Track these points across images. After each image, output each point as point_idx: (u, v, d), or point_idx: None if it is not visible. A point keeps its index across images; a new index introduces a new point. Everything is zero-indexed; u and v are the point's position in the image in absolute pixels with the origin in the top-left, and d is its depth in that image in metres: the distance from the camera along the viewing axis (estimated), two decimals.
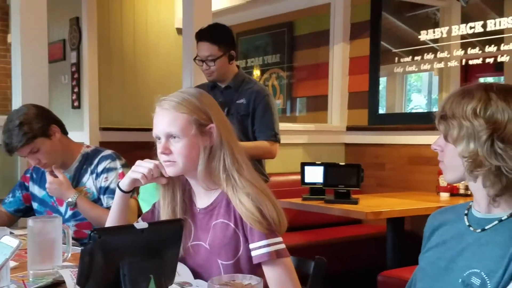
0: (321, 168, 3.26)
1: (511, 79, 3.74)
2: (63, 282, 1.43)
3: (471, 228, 1.27)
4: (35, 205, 2.42)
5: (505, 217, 1.22)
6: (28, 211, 2.44)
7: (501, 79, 3.89)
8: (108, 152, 2.36)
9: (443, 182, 3.64)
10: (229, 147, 1.51)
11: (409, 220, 3.24)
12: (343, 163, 3.40)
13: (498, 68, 3.84)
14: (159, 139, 1.52)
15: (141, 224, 1.10)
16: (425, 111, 4.48)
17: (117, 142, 4.48)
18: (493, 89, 1.23)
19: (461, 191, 3.60)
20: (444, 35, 4.00)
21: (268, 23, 5.28)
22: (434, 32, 4.06)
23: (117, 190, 1.66)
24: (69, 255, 1.68)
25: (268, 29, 5.32)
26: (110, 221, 1.67)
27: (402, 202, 3.29)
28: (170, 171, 1.52)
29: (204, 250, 1.53)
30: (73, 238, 2.18)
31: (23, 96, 2.83)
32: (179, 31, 5.40)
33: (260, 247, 1.44)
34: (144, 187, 1.81)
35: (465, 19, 3.90)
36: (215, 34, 2.86)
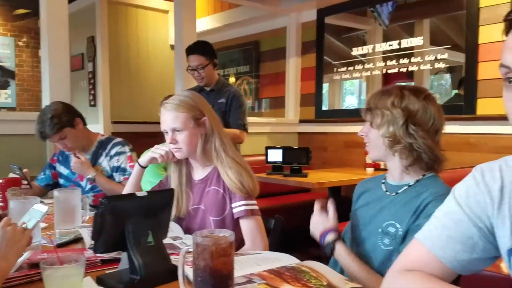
0: (280, 151, 3.27)
1: (419, 83, 3.80)
2: (82, 238, 1.41)
3: (388, 193, 1.29)
4: (61, 181, 2.36)
5: (412, 183, 1.25)
6: (55, 186, 2.37)
7: (412, 84, 3.95)
8: (118, 139, 2.31)
9: (369, 160, 3.69)
10: (218, 133, 1.51)
11: (344, 188, 3.28)
12: (296, 147, 3.40)
13: (409, 75, 3.89)
14: (166, 132, 1.51)
15: (141, 193, 1.08)
16: (356, 108, 4.52)
17: (125, 132, 4.41)
18: (405, 88, 1.25)
19: (382, 167, 3.65)
20: (370, 51, 4.04)
21: (240, 42, 5.22)
22: (362, 49, 4.10)
23: (136, 165, 1.64)
24: (87, 218, 1.64)
25: (240, 46, 5.27)
26: (128, 189, 1.65)
27: (339, 175, 3.32)
28: (178, 155, 1.53)
29: (201, 211, 1.53)
30: (91, 206, 2.14)
31: (51, 97, 2.76)
32: (172, 47, 5.32)
33: (239, 206, 1.46)
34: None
35: (385, 39, 3.94)
36: (201, 47, 2.83)
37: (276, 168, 3.28)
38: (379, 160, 1.33)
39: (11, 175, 1.95)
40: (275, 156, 3.29)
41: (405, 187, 1.25)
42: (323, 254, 1.31)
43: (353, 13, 4.25)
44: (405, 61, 3.75)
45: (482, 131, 3.12)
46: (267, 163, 3.33)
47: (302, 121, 4.53)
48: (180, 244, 1.35)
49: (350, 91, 4.81)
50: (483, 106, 3.18)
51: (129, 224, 1.03)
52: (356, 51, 4.12)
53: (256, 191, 1.50)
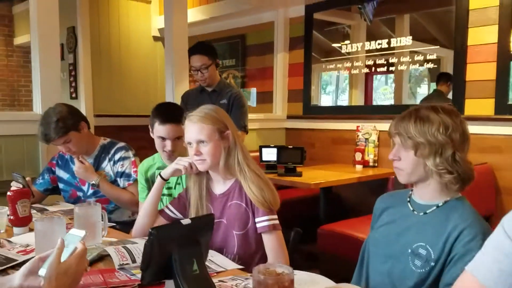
0: (274, 150, 3.27)
1: (399, 79, 3.91)
2: (107, 255, 1.38)
3: (415, 212, 1.29)
4: (61, 185, 2.30)
5: (441, 203, 1.25)
6: (54, 190, 2.32)
7: (391, 76, 4.05)
8: (122, 144, 2.27)
9: (358, 157, 3.76)
10: (240, 147, 1.52)
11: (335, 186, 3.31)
12: (291, 146, 3.38)
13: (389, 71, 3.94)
14: (190, 144, 1.51)
15: (185, 221, 1.07)
16: (345, 105, 4.56)
17: (108, 126, 4.32)
18: (440, 111, 1.22)
19: (371, 164, 3.74)
20: (359, 49, 4.04)
21: (226, 35, 5.14)
22: (351, 46, 4.10)
23: (158, 178, 1.63)
24: (106, 233, 1.61)
25: (226, 39, 5.18)
26: (149, 202, 1.63)
27: (331, 173, 3.31)
28: (201, 167, 1.52)
29: (223, 225, 1.53)
30: None
31: (42, 88, 2.66)
32: (154, 38, 5.22)
33: (262, 221, 1.48)
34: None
35: (369, 34, 3.95)
36: (204, 48, 2.82)
37: (270, 167, 3.29)
38: (411, 183, 1.30)
39: (14, 184, 1.88)
40: (270, 155, 3.31)
41: (434, 208, 1.25)
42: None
43: (339, 8, 4.26)
44: (394, 59, 3.79)
45: (470, 131, 3.22)
46: (261, 162, 3.33)
47: (290, 117, 4.53)
48: (209, 263, 1.35)
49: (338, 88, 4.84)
50: (470, 107, 3.28)
51: (175, 253, 1.03)
52: (346, 49, 4.12)
53: (277, 205, 1.52)
